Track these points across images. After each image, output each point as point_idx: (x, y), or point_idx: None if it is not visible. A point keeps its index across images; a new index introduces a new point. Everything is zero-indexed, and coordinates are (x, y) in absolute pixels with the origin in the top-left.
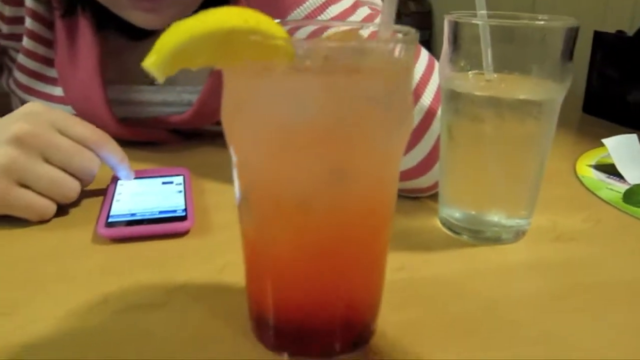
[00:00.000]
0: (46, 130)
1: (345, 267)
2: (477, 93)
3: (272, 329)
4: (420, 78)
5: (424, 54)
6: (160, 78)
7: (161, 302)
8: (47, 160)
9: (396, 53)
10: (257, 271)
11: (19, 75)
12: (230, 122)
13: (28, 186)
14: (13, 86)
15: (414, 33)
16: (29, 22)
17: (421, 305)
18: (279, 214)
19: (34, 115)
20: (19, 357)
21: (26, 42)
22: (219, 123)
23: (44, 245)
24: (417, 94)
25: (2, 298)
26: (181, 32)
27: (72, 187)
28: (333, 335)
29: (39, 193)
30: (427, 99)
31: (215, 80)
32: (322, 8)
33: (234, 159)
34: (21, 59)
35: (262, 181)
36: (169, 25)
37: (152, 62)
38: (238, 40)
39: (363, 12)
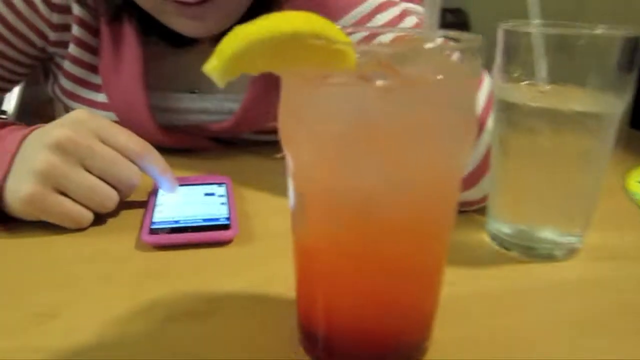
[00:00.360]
0: (88, 138)
1: (401, 280)
2: (532, 104)
3: (321, 342)
4: (486, 103)
5: (488, 78)
6: (221, 83)
7: (206, 311)
8: (87, 169)
9: (461, 59)
10: (309, 282)
11: (64, 82)
12: (288, 128)
13: (66, 193)
14: (58, 92)
15: (479, 39)
16: (75, 29)
17: (473, 323)
18: (336, 223)
19: (77, 123)
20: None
21: (72, 49)
22: (259, 131)
23: (88, 250)
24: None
25: (46, 301)
26: (242, 36)
27: (110, 196)
28: (385, 352)
29: (77, 201)
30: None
31: (257, 89)
32: (370, 16)
33: (290, 164)
34: (67, 65)
35: (319, 188)
36: (212, 33)
37: (213, 66)
38: (300, 44)
39: (410, 21)
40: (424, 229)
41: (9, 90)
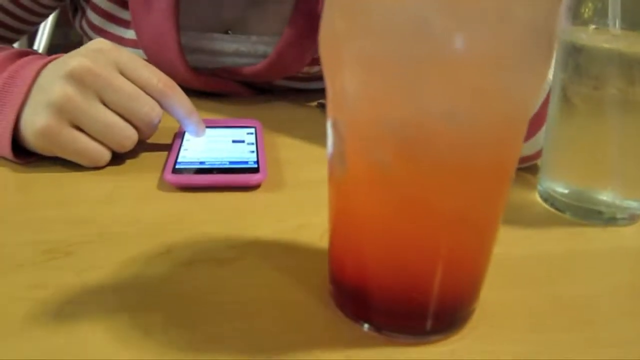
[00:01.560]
0: (107, 69)
1: (449, 233)
2: (604, 46)
3: (354, 296)
4: None
5: None
6: None
7: (229, 257)
8: (105, 103)
9: None
10: (344, 230)
11: (92, 16)
12: (332, 46)
13: (81, 128)
14: (85, 27)
15: None
16: None
17: (523, 286)
18: (380, 161)
19: (98, 52)
20: (76, 299)
21: None
22: (293, 78)
23: (108, 188)
24: None
25: (60, 237)
26: None
27: (128, 134)
28: (426, 311)
29: (93, 137)
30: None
31: (293, 32)
32: None
33: (331, 94)
34: None
35: (364, 118)
36: None
37: None
38: None
39: None
40: (482, 174)
41: (37, 24)
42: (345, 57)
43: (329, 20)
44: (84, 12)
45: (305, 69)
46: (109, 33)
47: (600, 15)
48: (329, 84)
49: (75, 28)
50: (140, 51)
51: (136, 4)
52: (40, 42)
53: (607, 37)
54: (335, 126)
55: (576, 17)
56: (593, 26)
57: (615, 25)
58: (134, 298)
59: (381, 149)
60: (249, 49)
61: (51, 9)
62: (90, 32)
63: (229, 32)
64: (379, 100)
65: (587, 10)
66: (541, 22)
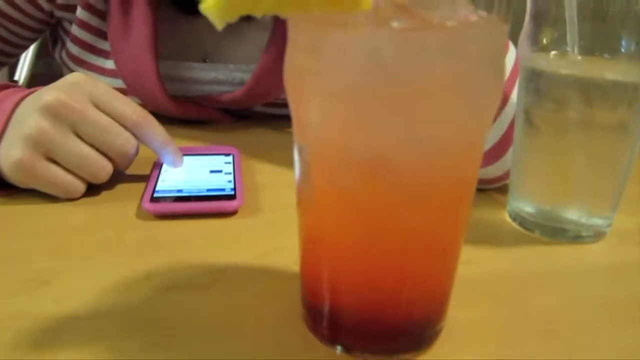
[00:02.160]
0: (82, 102)
1: (414, 252)
2: (563, 72)
3: (326, 319)
4: (511, 73)
5: (512, 48)
6: (219, 24)
7: (206, 283)
8: (79, 135)
9: (491, 4)
10: (313, 254)
11: (71, 47)
12: (294, 79)
13: (57, 161)
14: (65, 58)
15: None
16: None
17: (491, 303)
18: (345, 186)
19: (73, 86)
20: (54, 328)
21: (80, 12)
22: (270, 104)
23: (87, 218)
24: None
25: (39, 267)
26: None
27: (103, 166)
28: (395, 331)
29: (68, 170)
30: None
31: (270, 58)
32: None
33: (296, 123)
34: (75, 30)
35: (327, 147)
36: None
37: (212, 4)
38: None
39: None
40: (443, 196)
41: (16, 56)
42: (307, 88)
43: (292, 54)
44: (63, 44)
45: (283, 96)
46: (89, 63)
47: (559, 42)
48: (294, 113)
49: (55, 59)
50: (120, 81)
51: (115, 34)
52: (21, 72)
53: (566, 63)
54: (301, 152)
55: (536, 44)
56: (553, 52)
57: (574, 51)
58: (112, 325)
59: (344, 175)
60: (226, 77)
61: (30, 40)
62: (70, 63)
63: (207, 60)
64: (340, 129)
65: (546, 37)
66: (487, 51)
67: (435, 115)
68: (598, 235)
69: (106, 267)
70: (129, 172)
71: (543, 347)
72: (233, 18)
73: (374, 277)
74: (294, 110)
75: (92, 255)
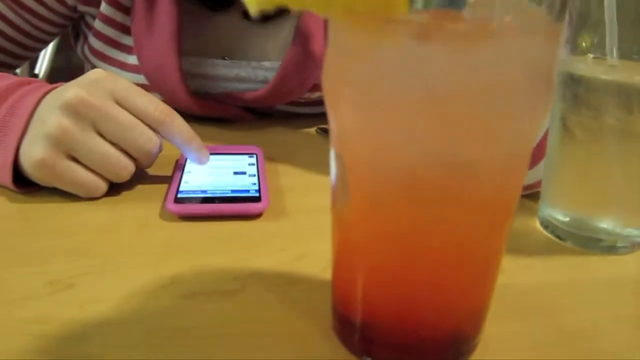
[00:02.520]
0: (102, 99)
1: (452, 267)
2: (602, 77)
3: (358, 331)
4: None
5: None
6: (255, 11)
7: (232, 289)
8: (101, 133)
9: (549, 12)
10: (348, 264)
11: (94, 42)
12: (334, 85)
13: (78, 160)
14: (87, 52)
15: None
16: None
17: (525, 317)
18: (381, 201)
19: (93, 83)
20: (79, 334)
21: (104, 7)
22: (295, 103)
23: (110, 218)
24: None
25: (62, 269)
26: None
27: (125, 165)
28: (430, 345)
29: (90, 168)
30: None
31: (294, 57)
32: None
33: (334, 131)
34: (98, 25)
35: (365, 160)
36: None
37: None
38: None
39: None
40: (484, 210)
41: (39, 50)
42: (345, 96)
43: (331, 58)
44: (86, 38)
45: (307, 94)
46: (112, 58)
47: (598, 46)
48: (331, 117)
49: (77, 53)
50: (142, 77)
51: (139, 30)
52: (42, 66)
53: (605, 68)
54: (338, 158)
55: (574, 48)
56: (591, 56)
57: (613, 55)
58: (138, 332)
59: (379, 188)
60: (249, 75)
61: (53, 35)
62: (92, 58)
63: (226, 57)
64: (379, 143)
65: (584, 41)
66: (539, 61)
67: (476, 133)
68: (633, 246)
69: (130, 270)
70: (150, 171)
71: None
72: (271, 6)
73: (410, 292)
74: (331, 115)
75: (116, 257)
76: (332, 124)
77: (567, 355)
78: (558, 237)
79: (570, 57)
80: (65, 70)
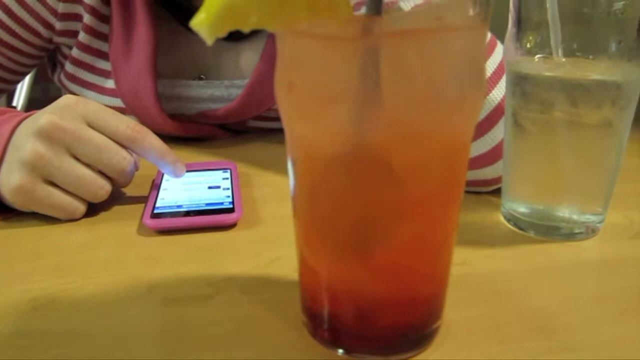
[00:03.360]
0: (75, 123)
1: (407, 256)
2: (547, 74)
3: (326, 323)
4: (493, 72)
5: (499, 48)
6: (209, 39)
7: (207, 294)
8: (75, 156)
9: (472, 10)
10: (313, 257)
11: (70, 68)
12: (284, 93)
13: (55, 183)
14: (64, 80)
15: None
16: (87, 18)
17: (487, 302)
18: (333, 195)
19: (65, 108)
20: (62, 344)
21: (82, 36)
22: (266, 118)
23: (89, 236)
24: (488, 88)
25: (44, 285)
26: None
27: (101, 185)
28: (393, 332)
29: (67, 191)
30: (497, 95)
31: (263, 69)
32: None
33: (287, 136)
34: (75, 52)
35: (317, 157)
36: None
37: (201, 20)
38: None
39: None
40: (431, 199)
41: (16, 82)
42: (294, 101)
43: (280, 69)
44: (62, 66)
45: (276, 107)
46: (89, 83)
47: (543, 45)
48: (285, 125)
49: (54, 82)
50: (119, 100)
51: (116, 54)
52: (19, 98)
53: (550, 65)
54: (294, 164)
55: (520, 47)
56: (538, 55)
57: (557, 53)
58: (119, 340)
59: (334, 181)
60: (222, 94)
61: (29, 67)
62: (69, 84)
63: (202, 76)
64: (328, 138)
65: (530, 41)
66: (469, 54)
67: (419, 118)
68: (590, 231)
69: (110, 283)
70: (128, 191)
71: (540, 343)
72: (222, 33)
73: (369, 282)
74: (285, 122)
75: (96, 273)
76: (286, 131)
77: (524, 333)
78: (520, 228)
79: (518, 57)
80: (43, 101)
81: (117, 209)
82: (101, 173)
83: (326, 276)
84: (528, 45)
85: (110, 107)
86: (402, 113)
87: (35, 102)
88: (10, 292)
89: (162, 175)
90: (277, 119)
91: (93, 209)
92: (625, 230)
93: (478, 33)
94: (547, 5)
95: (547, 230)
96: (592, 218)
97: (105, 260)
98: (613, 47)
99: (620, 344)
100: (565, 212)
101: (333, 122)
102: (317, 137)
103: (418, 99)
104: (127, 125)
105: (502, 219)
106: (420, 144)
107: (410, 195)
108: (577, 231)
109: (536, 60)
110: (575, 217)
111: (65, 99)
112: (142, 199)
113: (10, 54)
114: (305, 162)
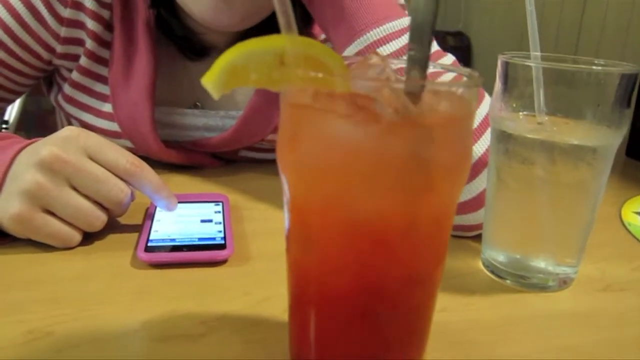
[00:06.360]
0: (76, 155)
1: (395, 306)
2: (529, 135)
3: None
4: (478, 126)
5: (487, 101)
6: (216, 94)
7: (199, 333)
8: (75, 187)
9: (463, 96)
10: (301, 307)
11: (69, 90)
12: (282, 148)
13: (53, 212)
14: (61, 101)
15: (477, 77)
16: (89, 43)
17: (465, 350)
18: (331, 250)
19: (67, 140)
20: None
21: (84, 61)
22: (256, 149)
23: (84, 267)
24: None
25: (39, 317)
26: (236, 48)
27: (98, 215)
28: None
29: (65, 220)
30: (480, 149)
31: (258, 100)
32: (398, 34)
33: (285, 188)
34: (75, 76)
35: (314, 214)
36: (234, 24)
37: (207, 78)
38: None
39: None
40: (417, 262)
41: (12, 100)
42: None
43: (282, 124)
44: (60, 88)
45: (270, 137)
46: (86, 105)
47: (527, 104)
48: (283, 178)
49: (48, 99)
50: (115, 124)
51: (116, 80)
52: (12, 112)
53: (534, 126)
54: (291, 215)
55: (505, 106)
56: (522, 113)
57: (540, 113)
58: None
59: (324, 241)
60: (217, 123)
61: (27, 87)
62: (66, 106)
63: (198, 104)
64: (325, 202)
65: (515, 100)
66: (460, 137)
67: (404, 191)
68: (565, 282)
69: (104, 317)
70: (122, 219)
71: None
72: (227, 90)
73: (356, 332)
74: (282, 174)
75: (91, 305)
76: (284, 184)
77: None
78: (498, 276)
79: (503, 114)
80: (36, 114)
81: (111, 239)
82: (98, 204)
83: (314, 322)
84: (513, 105)
85: (105, 130)
86: (396, 194)
87: (28, 115)
88: (4, 322)
89: (155, 207)
90: (269, 150)
91: (88, 236)
92: (597, 283)
93: (471, 120)
94: (533, 69)
95: (523, 280)
96: (566, 270)
97: (100, 292)
98: (592, 111)
99: None
100: (541, 263)
101: (319, 189)
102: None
103: (412, 183)
104: (126, 159)
105: (481, 265)
106: (407, 212)
107: (398, 260)
108: (551, 283)
109: (520, 117)
110: (550, 268)
111: (67, 131)
112: (136, 228)
113: (10, 74)
114: (297, 212)
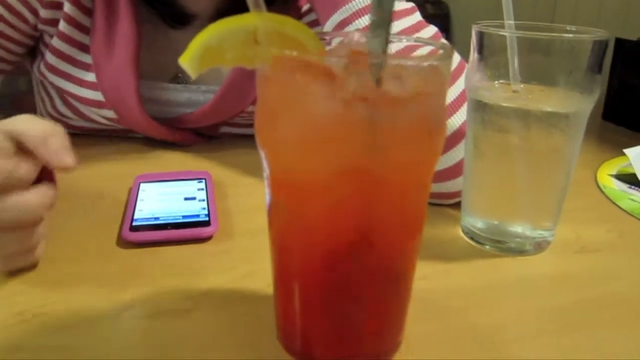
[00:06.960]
0: None
1: (375, 274)
2: (504, 104)
3: (299, 337)
4: (456, 98)
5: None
6: (192, 74)
7: (185, 308)
8: None
9: (438, 70)
10: (285, 277)
11: (51, 59)
12: (262, 126)
13: None
14: (43, 69)
15: (449, 48)
16: (67, 7)
17: (445, 317)
18: (310, 220)
19: None
20: (49, 359)
21: (63, 26)
22: (236, 125)
23: (70, 249)
24: (449, 112)
25: (28, 299)
26: (211, 27)
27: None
28: (360, 345)
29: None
30: (458, 120)
31: (237, 72)
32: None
33: (265, 163)
34: (55, 42)
35: (293, 187)
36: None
37: (184, 58)
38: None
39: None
40: (395, 230)
41: (6, 71)
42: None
43: (259, 103)
44: (42, 56)
45: (250, 108)
46: (69, 75)
47: (502, 73)
48: (262, 154)
49: (33, 73)
50: (99, 93)
51: (98, 50)
52: None
53: (509, 94)
54: (272, 191)
55: (480, 75)
56: (497, 82)
57: (516, 81)
58: (104, 353)
59: (305, 208)
60: (199, 98)
61: (16, 56)
62: (48, 75)
63: (180, 75)
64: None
65: (490, 70)
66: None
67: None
68: (542, 246)
69: (94, 298)
70: (107, 201)
71: (492, 356)
72: (203, 69)
73: (337, 302)
74: (261, 149)
75: (79, 286)
76: (264, 159)
77: (477, 347)
78: (477, 242)
79: (478, 84)
80: (13, 96)
81: (96, 218)
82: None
83: (298, 293)
84: (488, 74)
85: (89, 99)
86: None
87: (4, 98)
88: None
89: (139, 183)
90: (250, 125)
91: (72, 218)
92: (572, 245)
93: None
94: (507, 38)
95: (501, 244)
96: (543, 233)
97: (88, 273)
98: (565, 78)
99: (566, 354)
100: (518, 228)
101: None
102: (287, 168)
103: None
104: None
105: (461, 232)
106: (384, 176)
107: (376, 228)
108: (528, 247)
109: (496, 86)
110: (527, 232)
111: None
112: (119, 207)
113: (2, 41)
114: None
